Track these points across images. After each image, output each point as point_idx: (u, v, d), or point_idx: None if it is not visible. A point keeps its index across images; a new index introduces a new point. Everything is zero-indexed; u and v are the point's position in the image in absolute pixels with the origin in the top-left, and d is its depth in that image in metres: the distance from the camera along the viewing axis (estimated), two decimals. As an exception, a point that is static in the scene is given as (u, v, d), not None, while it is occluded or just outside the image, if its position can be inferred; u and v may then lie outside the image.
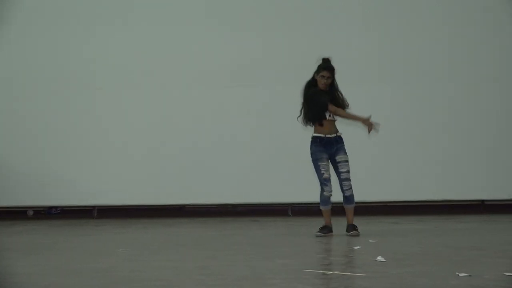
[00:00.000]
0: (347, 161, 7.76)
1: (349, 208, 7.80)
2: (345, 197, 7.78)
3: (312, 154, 7.76)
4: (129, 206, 10.82)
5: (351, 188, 7.73)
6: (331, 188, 7.69)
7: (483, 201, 10.52)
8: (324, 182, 7.67)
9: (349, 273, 5.29)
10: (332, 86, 7.77)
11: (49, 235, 8.59)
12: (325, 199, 7.74)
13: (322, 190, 7.70)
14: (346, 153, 7.77)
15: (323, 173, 7.67)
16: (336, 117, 7.76)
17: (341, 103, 7.76)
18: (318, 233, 7.75)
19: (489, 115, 10.27)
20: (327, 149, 7.72)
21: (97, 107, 10.30)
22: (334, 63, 9.90)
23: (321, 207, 7.81)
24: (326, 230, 7.79)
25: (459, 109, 10.28)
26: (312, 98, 7.70)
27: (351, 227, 7.76)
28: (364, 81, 10.18)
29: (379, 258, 5.92)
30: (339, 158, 7.74)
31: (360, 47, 10.29)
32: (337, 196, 7.87)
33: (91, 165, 10.22)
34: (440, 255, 6.21)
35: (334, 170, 7.81)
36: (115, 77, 10.29)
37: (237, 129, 10.24)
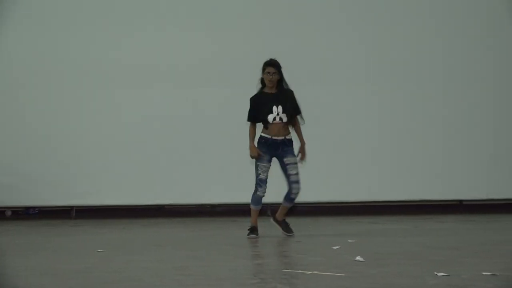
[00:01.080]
0: (295, 163, 7.64)
1: (288, 206, 7.84)
2: (289, 198, 7.73)
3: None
4: (107, 206, 10.77)
5: (298, 192, 7.67)
6: (265, 189, 7.63)
7: (461, 201, 10.56)
8: (259, 183, 7.62)
9: (329, 273, 5.29)
10: (280, 85, 7.65)
11: (27, 236, 8.54)
12: (257, 199, 7.71)
13: (256, 190, 7.67)
14: (294, 155, 7.65)
15: (259, 174, 7.60)
16: (284, 119, 7.58)
17: (291, 103, 7.64)
18: (251, 235, 7.70)
19: (468, 116, 10.31)
20: (271, 150, 7.62)
21: (75, 108, 10.23)
22: (322, 63, 9.99)
23: (252, 207, 7.78)
24: (256, 231, 7.76)
25: (436, 110, 10.31)
26: (250, 103, 7.69)
27: (284, 224, 7.86)
28: (348, 81, 10.20)
29: (358, 258, 5.93)
30: (287, 160, 7.62)
31: (353, 48, 10.29)
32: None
33: (69, 166, 10.15)
34: (418, 255, 6.23)
35: (283, 172, 7.71)
36: (96, 77, 10.23)
37: (215, 129, 10.21)
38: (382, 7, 10.36)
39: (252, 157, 7.64)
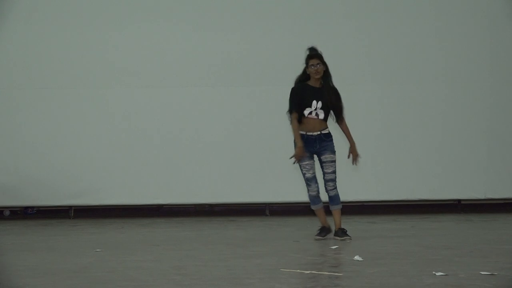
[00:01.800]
0: (333, 161, 7.42)
1: (334, 209, 7.53)
2: (329, 197, 7.53)
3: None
4: (105, 206, 10.77)
5: (335, 188, 7.44)
6: (315, 187, 7.42)
7: (459, 200, 10.56)
8: (307, 182, 7.42)
9: (326, 273, 5.30)
10: (326, 77, 7.41)
11: (25, 236, 8.53)
12: (311, 198, 7.49)
13: (307, 190, 7.49)
14: (333, 152, 7.41)
15: (305, 173, 7.39)
16: (321, 116, 7.36)
17: (333, 105, 7.40)
18: (317, 236, 7.52)
19: (466, 115, 10.31)
20: (309, 147, 7.35)
21: (73, 108, 10.22)
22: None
23: (312, 207, 7.59)
24: (324, 232, 7.55)
25: (434, 110, 10.31)
26: (290, 93, 7.42)
27: (341, 232, 7.47)
28: (346, 81, 10.19)
29: (356, 257, 5.94)
30: (324, 158, 7.39)
31: (353, 48, 10.29)
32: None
33: (68, 165, 10.14)
34: (416, 254, 6.24)
35: (321, 169, 7.50)
36: (92, 77, 10.23)
37: (214, 129, 10.21)
38: (381, 7, 10.35)
39: (295, 156, 7.34)
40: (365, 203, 11.03)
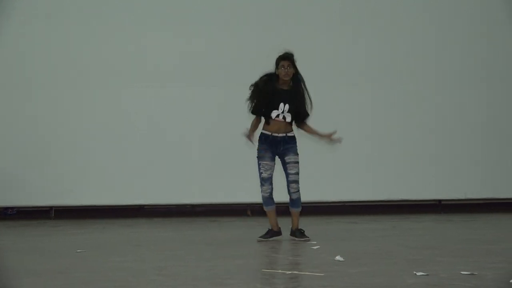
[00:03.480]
0: (296, 162, 7.38)
1: (294, 211, 7.51)
2: (290, 199, 7.48)
3: (257, 151, 7.44)
4: (87, 206, 10.72)
5: (297, 191, 7.40)
6: (269, 188, 7.37)
7: (440, 200, 10.61)
8: (262, 182, 7.37)
9: (308, 273, 5.31)
10: (296, 79, 7.35)
11: (5, 236, 8.49)
12: (264, 199, 7.43)
13: (261, 190, 7.44)
14: (296, 154, 7.40)
15: (262, 172, 7.34)
16: (288, 118, 7.33)
17: (299, 107, 7.35)
18: (260, 238, 7.49)
19: (446, 116, 10.35)
20: (273, 148, 7.35)
21: (52, 107, 10.17)
22: (319, 63, 10.01)
23: (264, 208, 7.54)
24: (269, 235, 7.52)
25: (415, 110, 10.35)
26: (254, 90, 7.35)
27: (298, 233, 7.48)
28: (337, 81, 10.24)
29: (338, 257, 5.95)
30: (288, 158, 7.36)
31: (351, 48, 10.31)
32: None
33: (48, 165, 10.10)
34: (397, 254, 6.26)
35: (284, 170, 7.48)
36: (74, 77, 10.19)
37: (195, 129, 10.20)
38: (379, 9, 10.37)
39: (247, 137, 7.33)
40: (346, 203, 11.04)
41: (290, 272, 5.36)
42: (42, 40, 10.23)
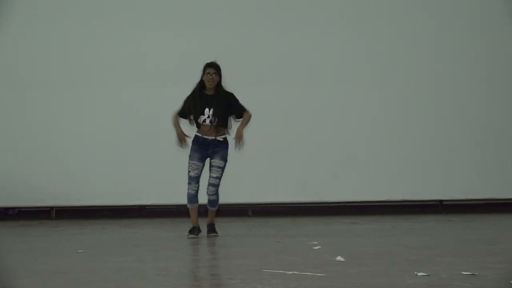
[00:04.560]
0: (220, 167, 7.79)
1: (211, 209, 7.96)
2: (208, 200, 7.87)
3: (189, 151, 7.85)
4: (87, 206, 10.72)
5: (214, 194, 7.82)
6: (195, 186, 7.75)
7: (441, 201, 10.60)
8: (189, 180, 7.77)
9: (309, 273, 5.30)
10: (219, 88, 7.79)
11: (6, 237, 8.49)
12: (189, 196, 7.81)
13: (187, 187, 7.80)
14: (223, 158, 7.78)
15: (189, 171, 7.76)
16: (214, 122, 7.71)
17: (219, 114, 7.72)
18: (190, 235, 7.77)
19: (446, 116, 10.35)
20: (203, 149, 7.77)
21: (52, 107, 10.18)
22: (318, 63, 10.04)
23: (188, 205, 7.89)
24: (196, 231, 7.82)
25: (416, 110, 10.35)
26: (185, 99, 7.85)
27: (209, 227, 7.92)
28: (335, 82, 10.24)
29: (339, 258, 5.95)
30: (213, 162, 7.79)
31: (350, 48, 10.31)
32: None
33: (49, 165, 10.10)
34: (397, 255, 6.26)
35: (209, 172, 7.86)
36: (75, 77, 10.20)
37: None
38: (379, 9, 10.37)
39: (179, 140, 7.84)
40: (347, 204, 11.04)
41: (290, 272, 5.36)
42: (43, 40, 10.23)
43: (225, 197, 10.15)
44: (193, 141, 7.82)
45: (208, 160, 7.83)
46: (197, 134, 7.81)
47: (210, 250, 6.76)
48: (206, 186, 7.79)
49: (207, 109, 7.72)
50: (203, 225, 7.89)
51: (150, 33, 10.28)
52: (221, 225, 9.24)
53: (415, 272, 5.19)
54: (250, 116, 7.83)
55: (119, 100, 10.23)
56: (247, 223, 9.45)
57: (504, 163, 10.35)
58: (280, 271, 5.41)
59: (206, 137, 7.75)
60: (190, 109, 7.78)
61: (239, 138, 7.76)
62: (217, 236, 7.78)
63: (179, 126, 7.85)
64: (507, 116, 10.39)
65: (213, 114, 7.70)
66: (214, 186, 7.77)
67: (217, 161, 7.76)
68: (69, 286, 5.00)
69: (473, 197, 10.44)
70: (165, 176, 10.14)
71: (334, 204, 10.80)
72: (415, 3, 10.46)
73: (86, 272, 5.54)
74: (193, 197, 7.80)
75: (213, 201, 7.86)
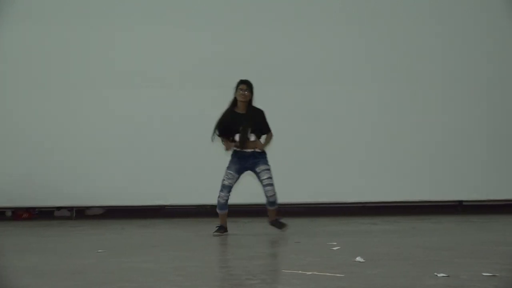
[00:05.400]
0: (267, 169, 8.09)
1: (271, 209, 8.23)
2: (268, 201, 8.15)
3: (228, 163, 8.18)
4: (106, 207, 10.77)
5: (274, 194, 8.10)
6: (226, 195, 8.11)
7: (460, 201, 10.55)
8: (222, 188, 8.12)
9: (328, 274, 5.29)
10: (250, 105, 8.11)
11: (27, 237, 8.53)
12: (220, 204, 8.19)
13: (219, 195, 8.13)
14: (266, 163, 8.10)
15: (224, 179, 8.11)
16: (251, 138, 8.06)
17: (255, 130, 8.07)
18: (215, 233, 8.14)
19: (467, 116, 10.30)
20: (243, 162, 8.10)
21: (73, 108, 10.23)
22: (322, 64, 10.05)
23: (217, 211, 8.23)
24: (222, 229, 8.22)
25: (436, 110, 10.31)
26: (219, 119, 8.14)
27: (275, 222, 8.27)
28: (349, 82, 10.22)
29: (358, 258, 5.93)
30: (258, 169, 8.10)
31: (353, 50, 10.29)
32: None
33: (70, 166, 10.15)
34: (417, 256, 6.23)
35: (259, 181, 8.16)
36: (96, 77, 10.24)
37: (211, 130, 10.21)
38: (380, 9, 10.35)
39: (226, 149, 8.19)
40: (366, 204, 11.02)
41: (309, 272, 5.34)
42: (56, 40, 10.29)
43: (243, 198, 10.22)
44: (232, 154, 8.17)
45: (244, 173, 8.22)
46: (236, 148, 8.13)
47: (229, 250, 6.76)
48: (264, 191, 8.08)
49: (244, 128, 8.06)
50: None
51: (151, 33, 10.29)
52: (241, 225, 9.26)
53: (435, 273, 5.17)
54: (271, 138, 8.21)
55: (138, 101, 10.25)
56: (266, 223, 9.43)
57: (525, 163, 10.30)
58: (300, 271, 5.40)
59: (245, 150, 8.07)
60: (225, 129, 8.10)
61: (259, 147, 8.07)
62: (287, 226, 8.16)
63: (228, 142, 8.12)
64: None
65: (250, 132, 8.07)
66: (271, 185, 8.08)
67: (262, 167, 8.10)
68: (88, 286, 5.01)
69: (493, 198, 10.38)
70: (184, 176, 10.16)
71: (353, 205, 10.78)
72: (415, 3, 10.41)
73: (104, 272, 5.55)
74: (223, 205, 8.20)
75: (273, 201, 8.14)
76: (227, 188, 8.11)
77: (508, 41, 10.34)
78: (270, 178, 8.08)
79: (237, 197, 10.19)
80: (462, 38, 10.33)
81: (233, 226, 9.20)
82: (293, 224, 9.17)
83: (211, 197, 10.20)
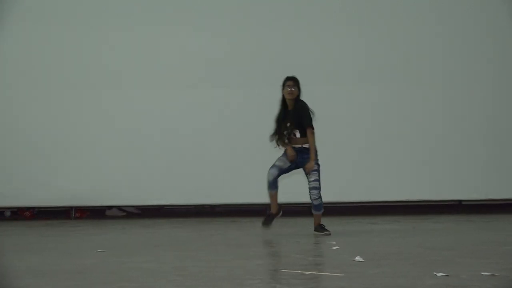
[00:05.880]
0: (314, 170, 7.97)
1: (315, 213, 8.08)
2: (313, 205, 8.04)
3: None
4: (107, 207, 10.77)
5: (319, 197, 7.98)
6: (274, 172, 7.95)
7: (460, 201, 10.56)
8: (272, 166, 8.00)
9: (328, 273, 5.30)
10: (297, 101, 8.02)
11: (26, 236, 8.54)
12: (267, 183, 8.04)
13: (268, 173, 8.03)
14: (312, 163, 7.96)
15: (276, 160, 8.02)
16: (297, 134, 8.02)
17: (298, 123, 7.99)
18: (265, 225, 8.14)
19: (466, 115, 10.30)
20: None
21: (74, 108, 10.22)
22: (322, 63, 10.05)
23: (268, 190, 8.12)
24: (270, 219, 8.12)
25: (435, 110, 10.31)
26: (275, 121, 8.11)
27: (319, 227, 8.06)
28: (347, 81, 10.22)
29: (358, 258, 5.93)
30: (306, 168, 8.00)
31: (353, 49, 10.29)
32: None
33: (70, 166, 10.14)
34: (417, 255, 6.23)
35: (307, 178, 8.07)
36: (96, 76, 10.23)
37: (214, 130, 10.22)
38: (380, 9, 10.35)
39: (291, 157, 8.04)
40: (366, 204, 11.02)
41: (309, 272, 5.35)
42: (55, 40, 10.28)
43: (244, 197, 10.24)
44: (284, 151, 8.09)
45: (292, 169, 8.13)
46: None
47: (230, 250, 6.76)
48: (309, 193, 7.99)
49: (289, 124, 8.02)
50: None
51: (152, 34, 10.29)
52: (241, 224, 9.27)
53: (435, 273, 5.17)
54: (312, 134, 7.99)
55: (138, 101, 10.25)
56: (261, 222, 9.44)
57: (526, 162, 10.30)
58: (299, 271, 5.41)
59: (294, 145, 8.01)
60: (280, 128, 8.05)
61: (308, 169, 7.96)
62: (329, 234, 7.92)
63: (290, 148, 8.02)
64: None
65: (296, 127, 8.01)
66: (316, 188, 7.95)
67: (308, 166, 7.97)
68: (88, 286, 5.01)
69: (494, 197, 10.38)
70: (184, 176, 10.16)
71: (354, 204, 10.78)
72: (415, 3, 10.41)
73: (105, 272, 5.56)
74: (270, 184, 8.04)
75: (318, 205, 8.00)
76: (276, 167, 7.98)
77: (508, 41, 10.34)
78: (316, 181, 7.94)
79: (237, 197, 10.27)
80: (462, 38, 10.33)
81: (233, 226, 9.22)
82: (293, 224, 9.19)
83: (210, 197, 10.27)
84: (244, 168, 10.16)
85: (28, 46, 10.26)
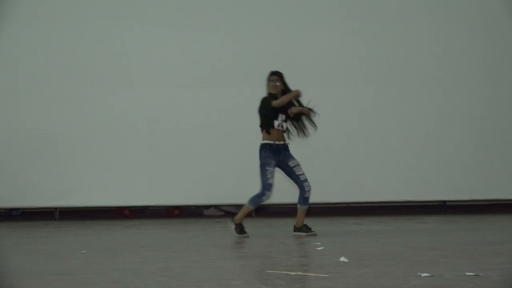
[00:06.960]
0: (299, 164, 7.97)
1: (303, 208, 8.02)
2: (305, 197, 7.95)
3: (261, 159, 7.87)
4: (91, 207, 10.73)
5: (311, 190, 7.96)
6: (270, 194, 7.84)
7: (444, 201, 10.59)
8: (268, 188, 7.78)
9: (312, 274, 5.31)
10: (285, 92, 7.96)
11: (10, 238, 8.51)
12: (258, 203, 7.92)
13: (263, 194, 7.78)
14: (294, 158, 7.98)
15: (269, 178, 7.80)
16: (285, 127, 7.96)
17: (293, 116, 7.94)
18: (239, 235, 7.89)
19: (450, 116, 10.34)
20: (276, 156, 7.89)
21: (58, 108, 10.18)
22: (323, 64, 10.06)
23: (250, 206, 7.93)
24: (240, 228, 7.96)
25: (419, 111, 10.34)
26: (261, 106, 7.96)
27: (305, 228, 8.00)
28: (342, 83, 10.24)
29: (342, 258, 5.95)
30: (291, 163, 7.95)
31: (353, 49, 10.31)
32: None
33: (53, 166, 10.11)
34: (401, 256, 6.25)
35: (289, 175, 8.01)
36: (82, 77, 10.20)
37: (202, 130, 10.20)
38: (377, 9, 10.37)
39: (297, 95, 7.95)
40: (350, 204, 11.05)
41: (294, 273, 5.36)
42: (45, 41, 10.25)
43: (228, 198, 10.23)
44: (265, 148, 7.90)
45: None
46: (268, 141, 7.92)
47: (214, 251, 6.76)
48: (304, 186, 7.92)
49: (280, 115, 7.93)
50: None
51: (153, 34, 10.29)
52: (226, 225, 9.26)
53: (419, 273, 5.19)
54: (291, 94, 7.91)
55: (122, 101, 10.22)
56: (250, 223, 9.43)
57: (509, 163, 10.33)
58: (284, 272, 5.41)
59: (278, 142, 7.93)
60: (267, 113, 7.91)
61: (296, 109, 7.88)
62: (315, 234, 7.91)
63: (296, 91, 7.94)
64: (511, 115, 10.38)
65: (285, 120, 7.97)
66: (307, 180, 7.95)
67: (293, 161, 7.95)
68: (73, 287, 5.00)
69: (477, 198, 10.43)
70: (168, 177, 10.15)
71: (338, 205, 10.80)
72: (415, 3, 10.45)
73: (90, 273, 5.55)
74: (261, 203, 8.01)
75: (307, 198, 7.98)
76: (272, 187, 7.82)
77: (508, 41, 10.38)
78: (304, 173, 7.95)
79: (222, 198, 10.26)
80: (462, 38, 10.36)
81: (218, 226, 9.22)
82: (278, 224, 9.20)
83: (195, 198, 10.26)
84: (231, 169, 10.16)
85: (25, 46, 10.23)
